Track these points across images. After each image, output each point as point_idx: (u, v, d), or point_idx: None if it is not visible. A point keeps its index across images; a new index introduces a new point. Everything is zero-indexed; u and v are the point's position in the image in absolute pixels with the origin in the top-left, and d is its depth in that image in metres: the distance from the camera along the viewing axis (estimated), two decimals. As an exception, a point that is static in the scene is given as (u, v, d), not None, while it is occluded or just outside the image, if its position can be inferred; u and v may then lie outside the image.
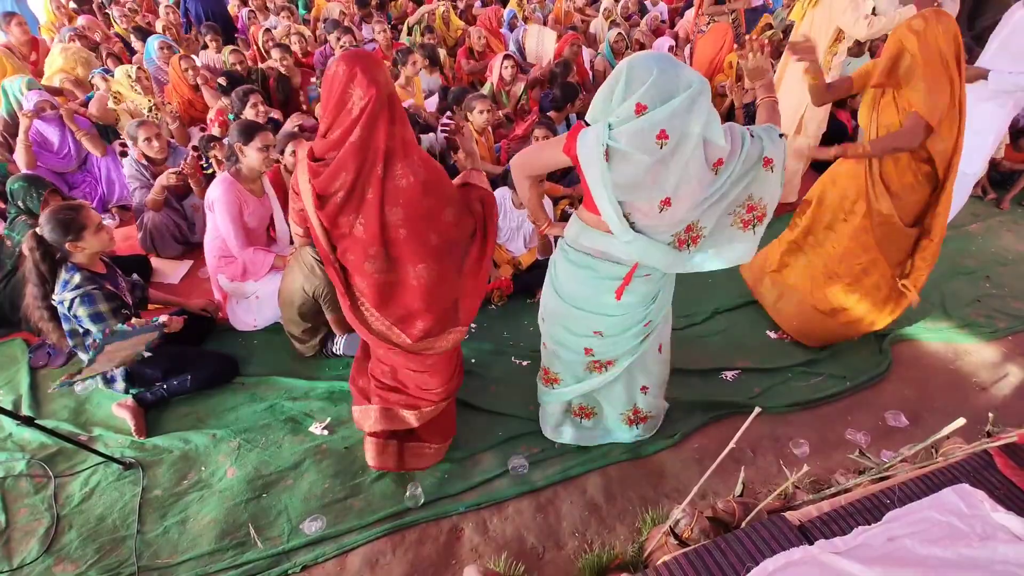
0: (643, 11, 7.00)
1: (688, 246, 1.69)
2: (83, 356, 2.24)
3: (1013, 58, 2.84)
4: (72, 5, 6.86)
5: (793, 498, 1.71)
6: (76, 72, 4.43)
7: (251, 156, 2.58)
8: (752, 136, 1.57)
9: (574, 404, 2.23)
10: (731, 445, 1.35)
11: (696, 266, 1.74)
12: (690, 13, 6.53)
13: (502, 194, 3.07)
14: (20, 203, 2.75)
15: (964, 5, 5.54)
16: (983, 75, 2.98)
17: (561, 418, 2.28)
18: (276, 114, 4.31)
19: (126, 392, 2.42)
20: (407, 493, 2.11)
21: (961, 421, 1.26)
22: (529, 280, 3.16)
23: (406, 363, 1.88)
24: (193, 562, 1.92)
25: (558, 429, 2.30)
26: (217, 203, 2.59)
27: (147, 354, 2.15)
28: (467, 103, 3.75)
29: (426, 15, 6.17)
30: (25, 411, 2.42)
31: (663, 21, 7.01)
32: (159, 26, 5.74)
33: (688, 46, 5.58)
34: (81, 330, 2.14)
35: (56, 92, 4.26)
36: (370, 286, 1.68)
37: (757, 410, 1.33)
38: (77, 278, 2.07)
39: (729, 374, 2.71)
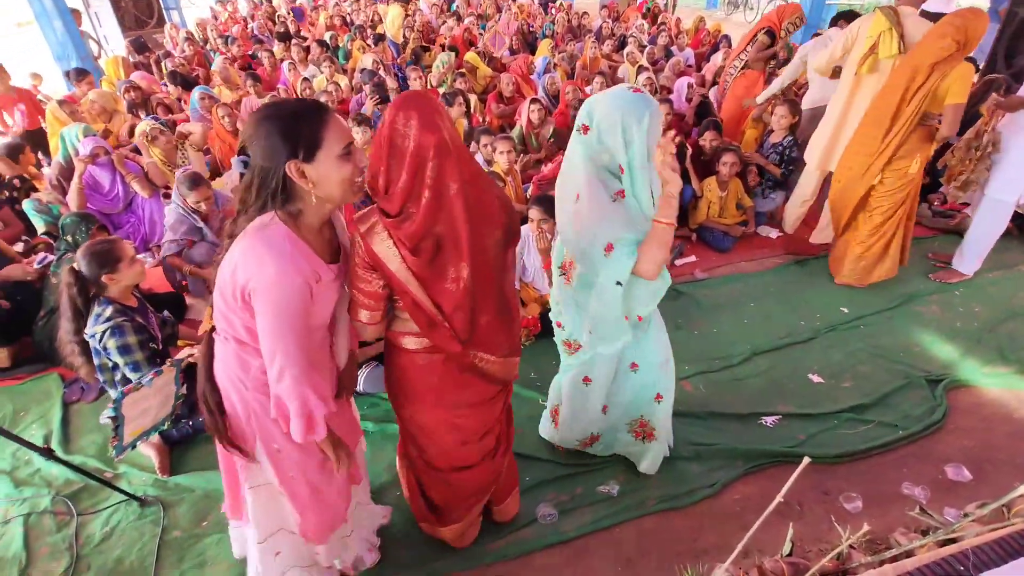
0: (668, 55, 7.10)
1: None
2: (112, 392, 2.25)
3: None
4: (131, 59, 7.38)
5: (849, 559, 1.55)
6: (98, 124, 4.80)
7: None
8: None
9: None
10: (779, 498, 1.23)
11: None
12: (717, 57, 6.59)
13: (526, 232, 3.05)
14: (70, 237, 2.87)
15: (1000, 43, 5.46)
16: None
17: None
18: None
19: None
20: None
21: (1041, 478, 1.13)
22: (557, 319, 3.08)
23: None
24: (207, 609, 1.85)
25: None
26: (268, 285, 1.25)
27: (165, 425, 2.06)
28: (491, 143, 3.81)
29: (443, 71, 5.99)
30: (55, 446, 2.43)
31: (689, 65, 7.08)
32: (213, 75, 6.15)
33: (714, 89, 5.57)
34: (110, 363, 2.16)
35: (107, 138, 4.52)
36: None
37: (807, 460, 1.21)
38: (109, 311, 2.11)
39: (769, 420, 2.55)
